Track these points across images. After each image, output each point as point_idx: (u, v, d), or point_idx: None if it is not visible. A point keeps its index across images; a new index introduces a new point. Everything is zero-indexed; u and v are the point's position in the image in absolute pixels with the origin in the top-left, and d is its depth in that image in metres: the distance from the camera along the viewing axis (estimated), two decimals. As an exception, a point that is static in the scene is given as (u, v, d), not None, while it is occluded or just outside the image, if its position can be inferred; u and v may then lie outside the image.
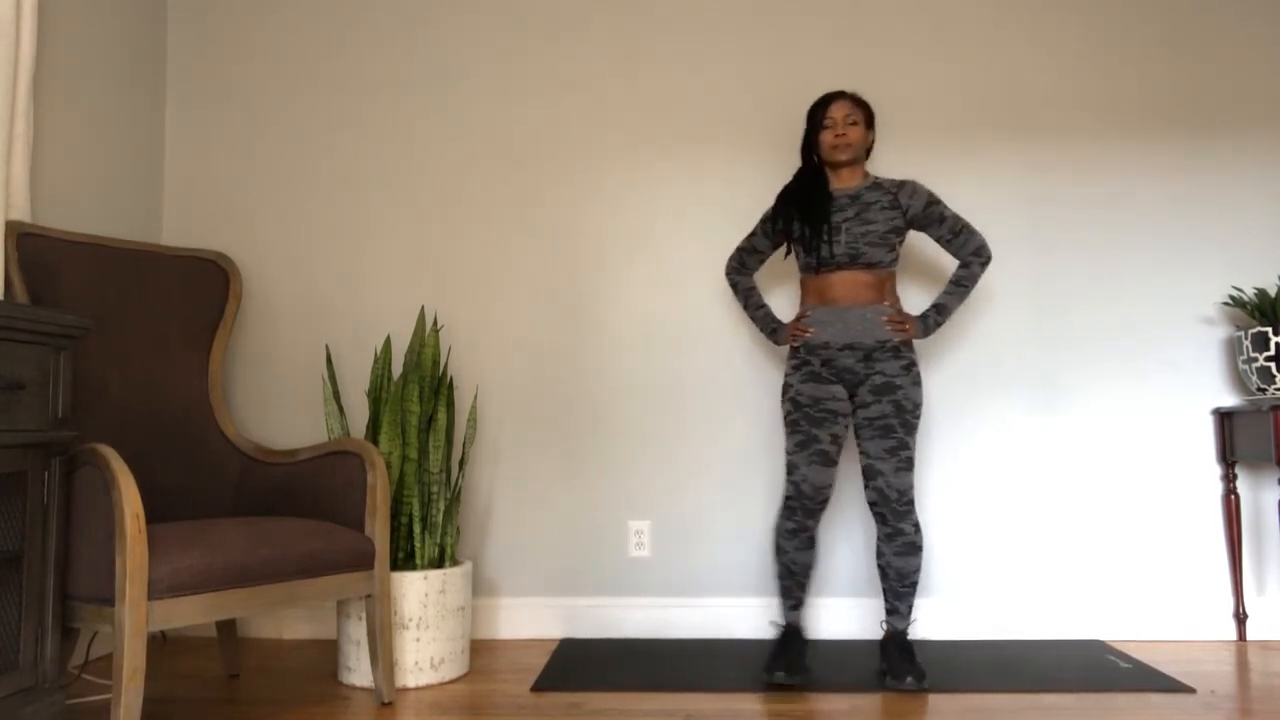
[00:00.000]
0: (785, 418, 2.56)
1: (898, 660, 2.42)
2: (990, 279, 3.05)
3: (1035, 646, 2.80)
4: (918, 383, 2.50)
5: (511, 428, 3.08)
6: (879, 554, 2.51)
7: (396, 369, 3.05)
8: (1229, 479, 2.93)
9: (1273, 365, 2.75)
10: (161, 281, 2.61)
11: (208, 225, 3.18)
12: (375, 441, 2.56)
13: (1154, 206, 3.06)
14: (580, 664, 2.65)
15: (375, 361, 2.65)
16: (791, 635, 2.52)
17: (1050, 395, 3.01)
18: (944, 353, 3.04)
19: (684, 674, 2.53)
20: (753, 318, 2.72)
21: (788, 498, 2.52)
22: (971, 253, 2.56)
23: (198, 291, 2.68)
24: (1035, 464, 3.00)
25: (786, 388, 2.57)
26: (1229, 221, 3.04)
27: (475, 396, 2.82)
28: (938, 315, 2.55)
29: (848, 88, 3.11)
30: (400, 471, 2.56)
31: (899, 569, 2.47)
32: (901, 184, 2.56)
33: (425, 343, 2.65)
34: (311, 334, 3.14)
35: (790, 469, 2.51)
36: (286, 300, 3.15)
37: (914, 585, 2.49)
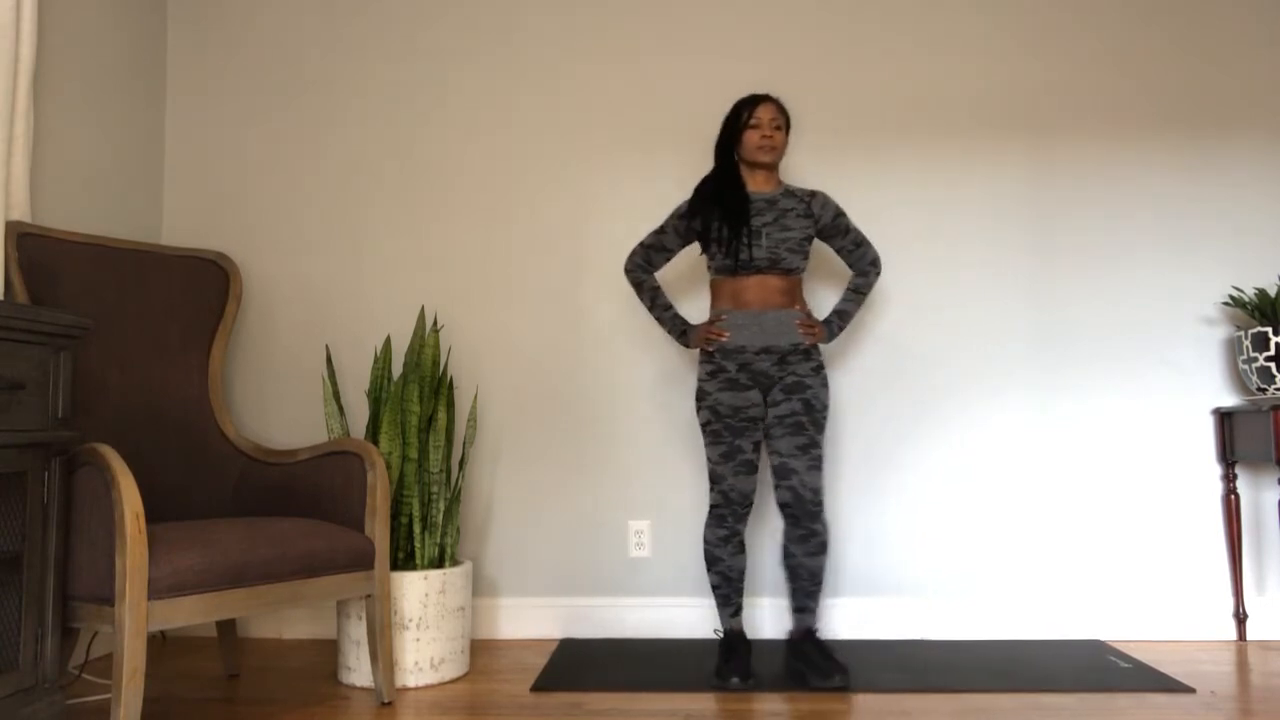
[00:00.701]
0: (704, 426, 2.53)
1: (818, 659, 2.41)
2: (991, 278, 3.05)
3: (1035, 646, 2.80)
4: (826, 384, 2.53)
5: (511, 428, 3.08)
6: (788, 554, 2.48)
7: (396, 369, 3.05)
8: (1229, 479, 2.93)
9: (1273, 365, 2.75)
10: (161, 281, 2.61)
11: (208, 225, 3.18)
12: (375, 441, 2.56)
13: (1154, 206, 3.06)
14: (580, 664, 2.65)
15: (375, 361, 2.65)
16: (736, 640, 2.53)
17: (1050, 394, 3.01)
18: (944, 351, 3.04)
19: (684, 674, 2.53)
20: (659, 319, 2.66)
21: (715, 506, 2.52)
22: (869, 263, 2.64)
23: (198, 291, 2.68)
24: (1035, 463, 3.00)
25: (702, 394, 2.53)
26: (1229, 221, 3.04)
27: (475, 397, 2.82)
28: (840, 321, 2.62)
29: (847, 88, 3.11)
30: (400, 471, 2.56)
31: (811, 569, 2.47)
32: (813, 194, 2.60)
33: (425, 343, 2.65)
34: (311, 334, 3.14)
35: (716, 479, 2.51)
36: (286, 300, 3.15)
37: (822, 582, 2.50)
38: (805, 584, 2.48)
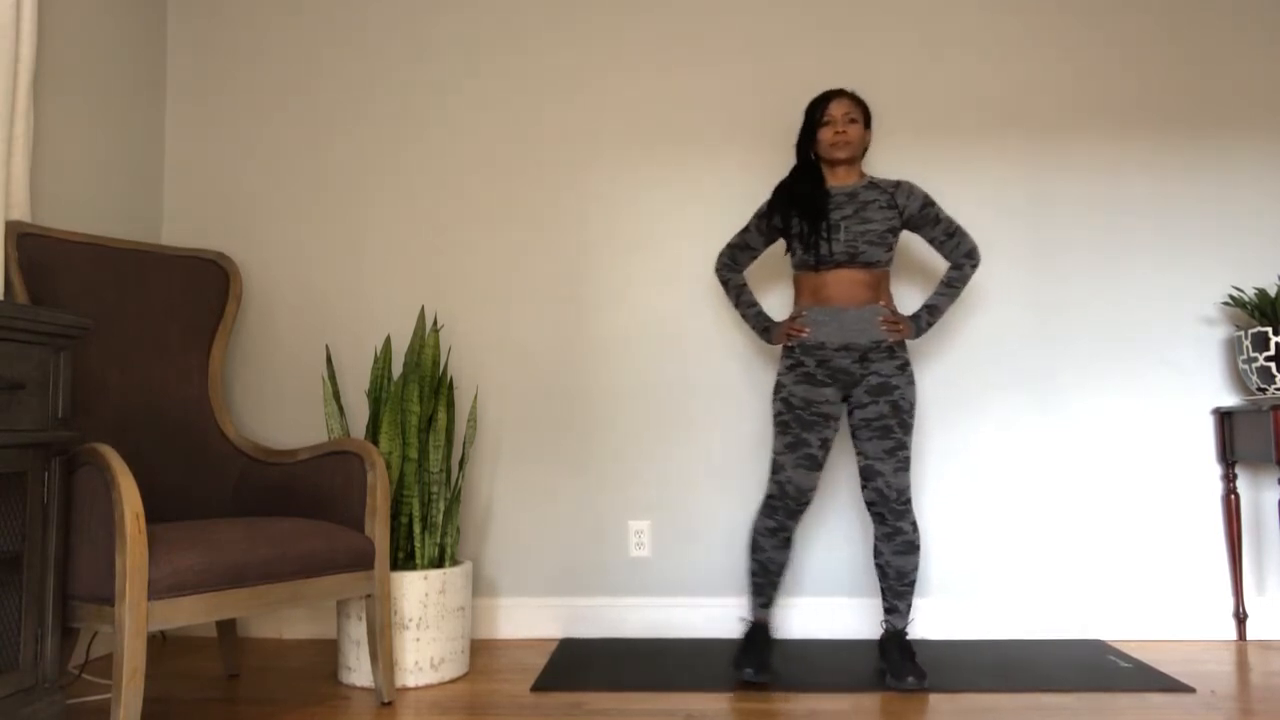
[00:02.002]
0: (775, 417, 2.53)
1: (898, 660, 2.42)
2: (991, 278, 3.05)
3: (1035, 646, 2.80)
4: (912, 382, 2.51)
5: (511, 428, 3.08)
6: (877, 553, 2.50)
7: (396, 369, 3.05)
8: (1229, 479, 2.93)
9: (1273, 365, 2.75)
10: (161, 281, 2.61)
11: (208, 225, 3.18)
12: (375, 441, 2.56)
13: (1154, 206, 3.06)
14: (580, 664, 2.65)
15: (375, 361, 2.66)
16: (760, 632, 2.52)
17: (1050, 395, 3.01)
18: (945, 352, 3.04)
19: (684, 674, 2.53)
20: (744, 316, 2.69)
21: (770, 496, 2.51)
22: (964, 255, 2.58)
23: (198, 291, 2.68)
24: (1035, 464, 3.00)
25: (779, 387, 2.54)
26: (1229, 221, 3.04)
27: (475, 396, 2.82)
28: (930, 316, 2.56)
29: (846, 87, 3.11)
30: (400, 471, 2.56)
31: (898, 568, 2.47)
32: (898, 184, 2.56)
33: (425, 343, 2.65)
34: (311, 334, 3.14)
35: (776, 469, 2.50)
36: (286, 300, 3.15)
37: (912, 584, 2.48)
38: (893, 583, 2.48)
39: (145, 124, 3.11)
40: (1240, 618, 2.88)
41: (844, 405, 2.54)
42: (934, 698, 2.32)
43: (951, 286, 2.57)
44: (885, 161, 3.09)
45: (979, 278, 3.05)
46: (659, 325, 3.08)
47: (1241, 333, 2.84)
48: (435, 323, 2.71)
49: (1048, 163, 3.08)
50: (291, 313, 3.15)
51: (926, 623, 2.94)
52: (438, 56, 3.20)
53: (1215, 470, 2.98)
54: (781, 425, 2.51)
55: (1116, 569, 2.95)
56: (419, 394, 2.59)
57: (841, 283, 2.50)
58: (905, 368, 2.50)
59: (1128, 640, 2.90)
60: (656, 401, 3.06)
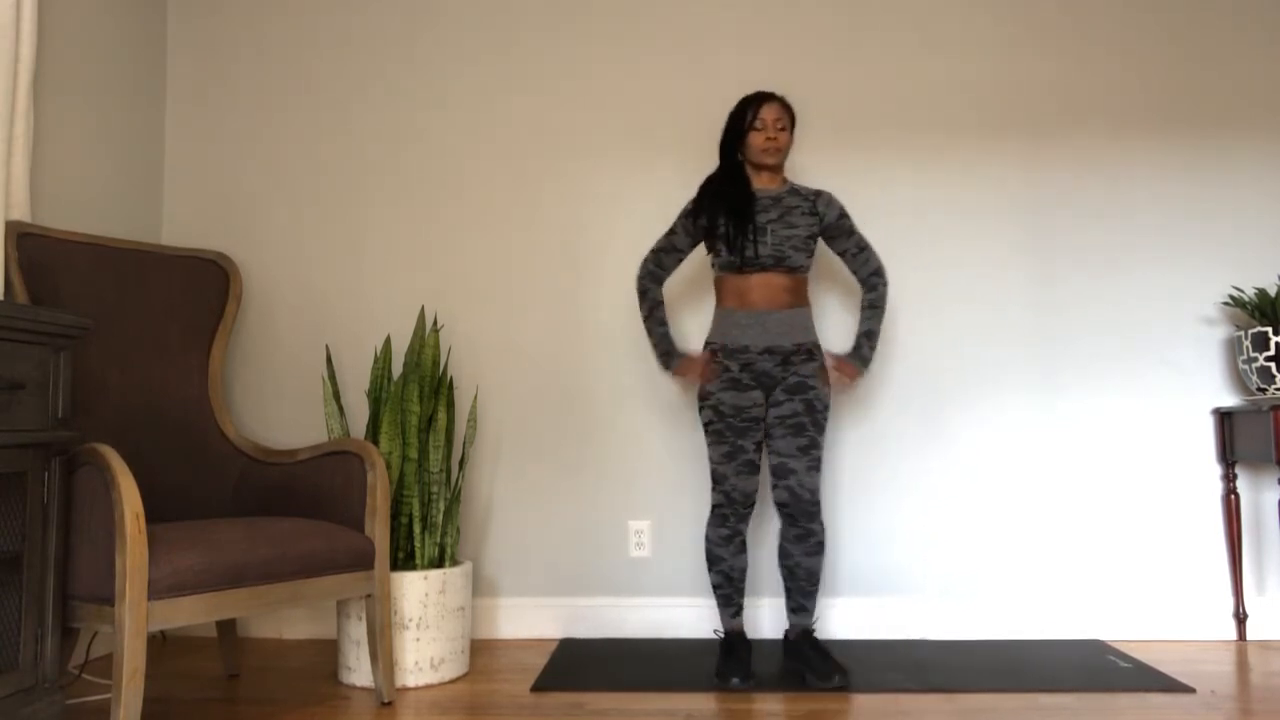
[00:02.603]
0: (707, 426, 2.53)
1: (817, 660, 2.42)
2: (991, 278, 3.05)
3: (1035, 646, 2.80)
4: (829, 384, 2.53)
5: (511, 428, 3.08)
6: (785, 554, 2.49)
7: (396, 369, 3.05)
8: (1229, 479, 2.93)
9: (1273, 365, 2.75)
10: (161, 281, 2.61)
11: (208, 225, 3.18)
12: (375, 441, 2.56)
13: (1154, 206, 3.06)
14: (580, 664, 2.65)
15: (375, 361, 2.66)
16: (736, 641, 2.53)
17: (1050, 395, 3.01)
18: (944, 351, 3.04)
19: (684, 674, 2.53)
20: (649, 332, 2.63)
21: (717, 505, 2.52)
22: (873, 272, 2.61)
23: (198, 291, 2.68)
24: (1036, 463, 3.00)
25: (705, 395, 2.53)
26: (1229, 221, 3.04)
27: (475, 397, 2.82)
28: (869, 342, 2.58)
29: (847, 87, 3.11)
30: (400, 471, 2.56)
31: (809, 569, 2.47)
32: (818, 193, 2.59)
33: (425, 343, 2.65)
34: (311, 334, 3.14)
35: (719, 479, 2.51)
36: (286, 300, 3.15)
37: (820, 582, 2.51)
38: (803, 584, 2.48)
39: (145, 124, 3.11)
40: (1240, 618, 2.88)
41: (767, 407, 2.55)
42: (934, 698, 2.32)
43: (875, 307, 2.60)
44: (885, 162, 3.09)
45: (980, 274, 3.05)
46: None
47: (1241, 333, 2.84)
48: (435, 323, 2.71)
49: (1047, 162, 3.08)
50: (291, 313, 3.15)
51: (926, 623, 2.94)
52: (437, 56, 3.20)
53: (1215, 470, 2.98)
54: (716, 434, 2.51)
55: (1116, 569, 2.95)
56: (419, 394, 2.59)
57: (765, 286, 2.51)
58: (823, 370, 2.53)
59: (1128, 640, 2.90)
60: (656, 401, 3.06)
